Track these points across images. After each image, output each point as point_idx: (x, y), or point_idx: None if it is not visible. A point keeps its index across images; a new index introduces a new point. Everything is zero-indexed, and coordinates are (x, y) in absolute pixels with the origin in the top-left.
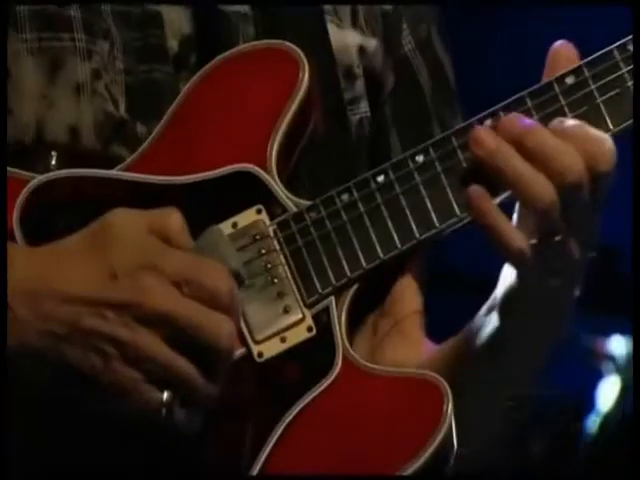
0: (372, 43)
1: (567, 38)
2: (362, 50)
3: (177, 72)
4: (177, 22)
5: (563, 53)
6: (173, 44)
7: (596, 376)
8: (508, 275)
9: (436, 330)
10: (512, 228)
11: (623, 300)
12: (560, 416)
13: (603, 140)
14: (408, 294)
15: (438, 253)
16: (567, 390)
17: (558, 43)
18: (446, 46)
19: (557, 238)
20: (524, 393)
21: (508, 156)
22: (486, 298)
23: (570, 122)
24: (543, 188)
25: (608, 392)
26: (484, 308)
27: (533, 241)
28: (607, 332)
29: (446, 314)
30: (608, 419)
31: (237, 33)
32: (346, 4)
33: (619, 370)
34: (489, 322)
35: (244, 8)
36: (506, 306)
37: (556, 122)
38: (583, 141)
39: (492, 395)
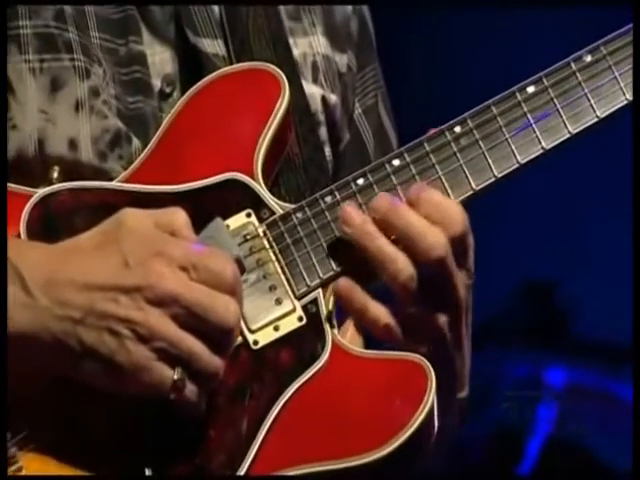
0: (333, 97)
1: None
2: (324, 100)
3: (161, 105)
4: (159, 64)
5: None
6: (157, 82)
7: (535, 405)
8: None
9: None
10: None
11: (558, 333)
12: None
13: (452, 205)
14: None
15: None
16: (507, 419)
17: None
18: (389, 111)
19: (412, 309)
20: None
21: (373, 235)
22: None
23: (424, 191)
24: (402, 266)
25: (548, 420)
26: None
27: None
28: (545, 363)
29: None
30: (548, 446)
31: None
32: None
33: (558, 399)
34: None
35: (222, 50)
36: None
37: (412, 193)
38: (437, 209)
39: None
